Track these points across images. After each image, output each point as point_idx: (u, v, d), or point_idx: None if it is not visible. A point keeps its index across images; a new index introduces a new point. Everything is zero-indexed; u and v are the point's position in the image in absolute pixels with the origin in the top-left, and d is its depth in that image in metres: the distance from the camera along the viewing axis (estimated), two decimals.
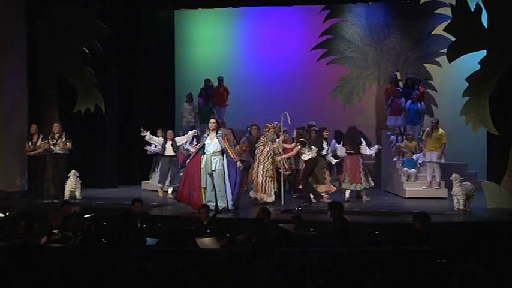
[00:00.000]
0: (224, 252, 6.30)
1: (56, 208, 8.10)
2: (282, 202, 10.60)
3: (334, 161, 11.51)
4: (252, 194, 10.89)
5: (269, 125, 11.04)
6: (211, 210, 9.21)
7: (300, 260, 5.16)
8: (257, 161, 10.86)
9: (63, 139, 11.62)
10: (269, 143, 10.82)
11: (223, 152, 10.01)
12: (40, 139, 11.64)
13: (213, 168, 9.92)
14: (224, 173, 9.97)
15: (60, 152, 11.62)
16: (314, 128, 11.66)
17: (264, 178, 10.71)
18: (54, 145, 11.59)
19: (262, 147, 10.84)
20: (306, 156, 10.72)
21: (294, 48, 15.59)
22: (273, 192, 10.76)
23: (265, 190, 10.70)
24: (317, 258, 5.61)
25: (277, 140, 10.96)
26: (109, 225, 7.45)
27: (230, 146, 10.43)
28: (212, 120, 10.29)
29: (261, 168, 10.74)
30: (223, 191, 9.98)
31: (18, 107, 12.30)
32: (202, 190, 10.01)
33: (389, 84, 14.13)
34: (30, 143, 11.65)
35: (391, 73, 14.53)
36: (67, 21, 12.63)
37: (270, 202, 10.58)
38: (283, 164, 10.80)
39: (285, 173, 10.89)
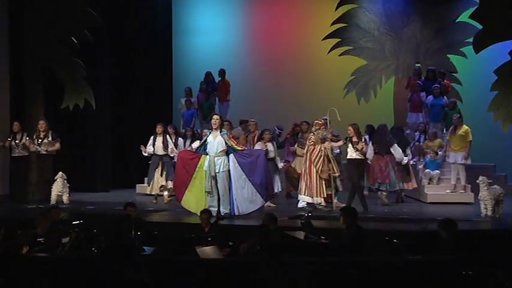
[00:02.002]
0: (226, 262, 6.28)
1: (44, 214, 8.09)
2: (334, 207, 10.56)
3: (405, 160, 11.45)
4: (305, 199, 10.69)
5: (319, 122, 10.83)
6: (212, 216, 9.19)
7: (308, 270, 5.15)
8: (307, 162, 10.68)
9: (50, 138, 11.61)
10: (319, 142, 10.62)
11: (227, 151, 9.99)
12: (25, 137, 11.64)
13: (217, 171, 9.89)
14: (230, 175, 9.94)
15: (44, 152, 11.61)
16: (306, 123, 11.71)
17: (318, 180, 10.57)
18: (39, 145, 11.59)
19: (312, 147, 10.64)
20: (354, 154, 10.67)
21: (302, 37, 15.56)
22: (324, 196, 10.62)
23: (321, 193, 10.57)
24: (328, 268, 5.58)
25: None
26: (100, 233, 7.44)
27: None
28: (215, 117, 10.20)
29: (314, 169, 10.57)
30: (226, 195, 9.97)
31: None
32: (206, 194, 10.02)
33: (412, 76, 14.04)
34: (13, 142, 11.64)
35: (411, 65, 14.48)
36: (54, 9, 12.63)
37: (325, 206, 10.48)
38: (333, 167, 10.66)
39: (335, 175, 10.81)
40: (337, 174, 10.84)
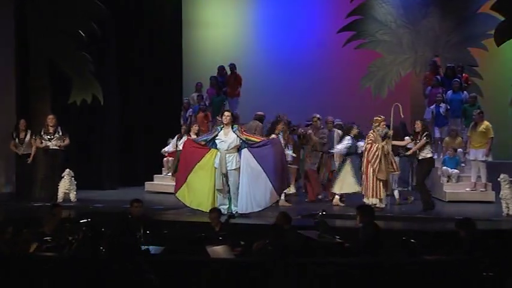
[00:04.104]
0: (238, 262, 6.29)
1: (52, 212, 8.15)
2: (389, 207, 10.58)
3: None
4: (365, 200, 10.67)
5: (378, 119, 10.76)
6: (223, 215, 9.21)
7: (323, 272, 5.16)
8: (365, 161, 10.67)
9: (60, 133, 11.66)
10: (379, 139, 10.60)
11: (239, 148, 9.97)
12: (28, 135, 11.69)
13: (228, 168, 9.89)
14: (242, 171, 9.93)
15: (56, 147, 11.65)
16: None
17: (374, 181, 10.53)
18: (49, 140, 11.60)
19: (370, 145, 10.61)
20: (429, 153, 10.61)
21: (317, 30, 15.55)
22: (384, 198, 10.61)
23: (378, 194, 10.54)
24: (344, 269, 5.59)
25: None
26: (108, 232, 7.48)
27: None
28: (227, 113, 10.16)
29: (371, 169, 10.55)
30: (237, 193, 9.96)
31: (5, 98, 12.38)
32: (216, 192, 10.02)
33: (428, 71, 14.00)
34: (17, 139, 11.70)
35: (429, 59, 14.40)
36: (59, 1, 12.70)
37: (381, 208, 10.46)
38: (392, 163, 10.66)
39: (394, 173, 10.82)
40: (396, 173, 10.85)
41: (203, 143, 10.18)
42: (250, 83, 14.92)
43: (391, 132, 10.72)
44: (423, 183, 10.69)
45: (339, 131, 11.80)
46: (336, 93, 14.91)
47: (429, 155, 10.63)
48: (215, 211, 8.41)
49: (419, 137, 10.61)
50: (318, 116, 11.92)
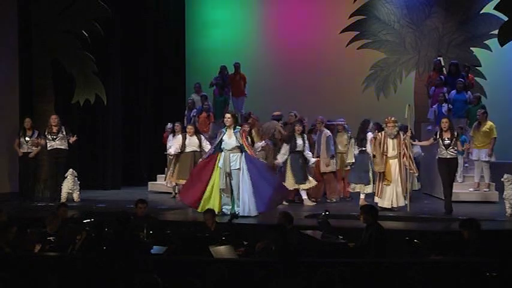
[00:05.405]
0: (241, 262, 6.29)
1: (54, 212, 8.17)
2: (408, 208, 10.53)
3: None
4: (376, 199, 10.64)
5: (386, 120, 10.67)
6: (226, 215, 9.18)
7: (327, 272, 5.15)
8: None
9: (64, 133, 11.66)
10: (389, 140, 10.53)
11: (241, 149, 9.96)
12: (36, 135, 11.70)
13: (232, 167, 9.85)
14: (244, 173, 9.89)
15: (61, 147, 11.64)
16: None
17: (379, 180, 10.55)
18: (53, 140, 11.60)
19: (373, 141, 10.64)
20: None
21: (320, 30, 15.53)
22: (391, 196, 10.53)
23: (379, 193, 10.56)
24: (347, 269, 5.58)
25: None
26: (110, 231, 7.49)
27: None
28: (227, 115, 10.09)
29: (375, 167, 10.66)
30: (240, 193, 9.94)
31: (8, 98, 12.40)
32: (220, 191, 9.98)
33: (432, 71, 13.98)
34: (23, 138, 11.69)
35: (433, 58, 14.39)
36: (64, 0, 12.72)
37: (390, 208, 10.45)
38: (410, 164, 10.54)
39: (414, 174, 10.82)
40: (416, 174, 10.89)
41: (212, 150, 10.13)
42: (255, 83, 14.91)
43: (408, 133, 10.62)
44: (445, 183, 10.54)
45: (327, 131, 11.69)
46: (339, 92, 14.89)
47: (446, 155, 10.40)
48: (209, 212, 8.40)
49: (449, 135, 10.31)
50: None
